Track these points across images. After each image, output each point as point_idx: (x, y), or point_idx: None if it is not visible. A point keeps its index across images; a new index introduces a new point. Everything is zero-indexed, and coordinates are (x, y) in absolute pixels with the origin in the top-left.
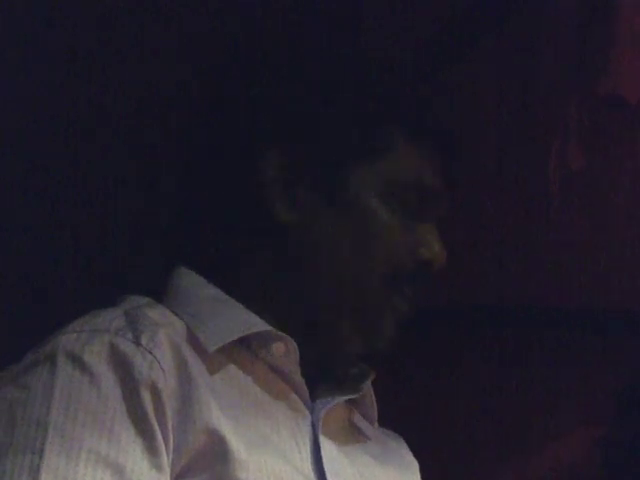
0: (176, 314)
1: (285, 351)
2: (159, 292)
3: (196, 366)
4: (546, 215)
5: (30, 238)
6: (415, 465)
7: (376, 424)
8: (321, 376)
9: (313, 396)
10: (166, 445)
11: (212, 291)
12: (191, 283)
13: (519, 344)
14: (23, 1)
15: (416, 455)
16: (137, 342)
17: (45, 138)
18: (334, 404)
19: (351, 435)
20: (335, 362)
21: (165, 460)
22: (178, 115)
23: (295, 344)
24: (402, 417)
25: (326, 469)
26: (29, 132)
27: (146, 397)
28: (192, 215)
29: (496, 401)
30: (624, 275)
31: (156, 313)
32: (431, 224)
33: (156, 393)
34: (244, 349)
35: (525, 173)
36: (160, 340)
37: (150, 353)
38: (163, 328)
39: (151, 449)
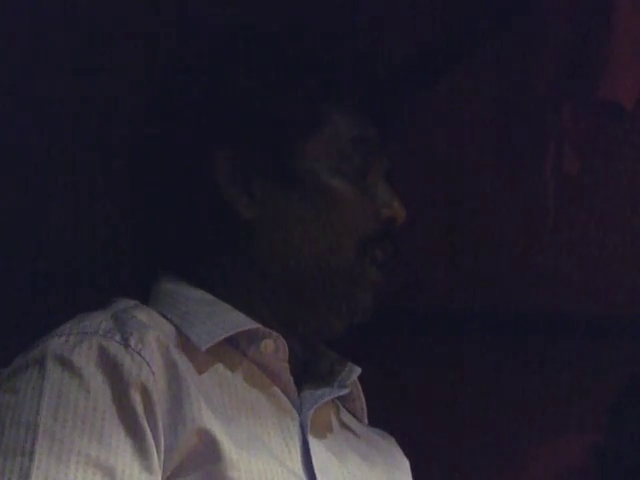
0: (163, 316)
1: (274, 348)
2: (144, 295)
3: (185, 367)
4: (542, 220)
5: (16, 244)
6: (406, 464)
7: (366, 421)
8: (308, 374)
9: (301, 394)
10: (157, 446)
11: (198, 293)
12: (176, 286)
13: (515, 350)
14: None
15: (409, 455)
16: (126, 344)
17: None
18: (322, 402)
19: (340, 434)
20: (320, 341)
21: (156, 461)
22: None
23: (284, 341)
24: (395, 417)
25: (316, 469)
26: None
27: (136, 398)
28: (165, 220)
29: (491, 406)
30: (620, 280)
31: (144, 315)
32: (383, 182)
33: (146, 394)
34: (232, 348)
35: (521, 177)
36: (149, 342)
37: (139, 355)
38: (152, 330)
39: (142, 450)
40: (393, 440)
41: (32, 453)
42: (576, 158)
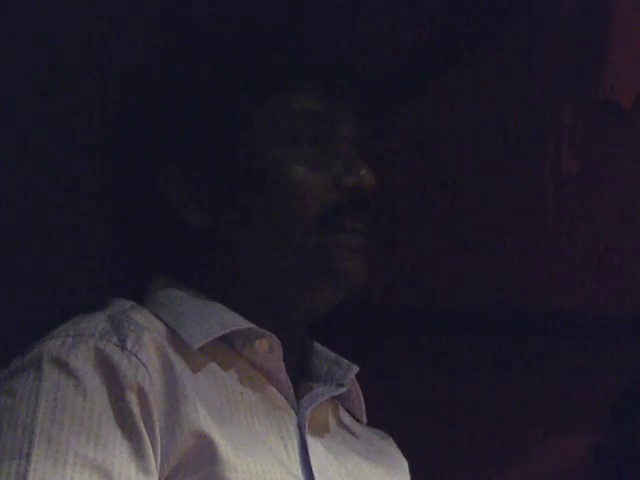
0: (158, 317)
1: (268, 348)
2: (139, 297)
3: (182, 368)
4: (542, 219)
5: (12, 245)
6: (404, 464)
7: (365, 420)
8: (305, 374)
9: (298, 394)
10: (154, 448)
11: (191, 293)
12: (169, 287)
13: (514, 350)
14: None
15: (407, 455)
16: (122, 346)
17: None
18: (319, 402)
19: (338, 433)
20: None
21: (153, 463)
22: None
23: (279, 341)
24: (393, 417)
25: (314, 469)
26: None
27: (132, 400)
28: (140, 227)
29: (490, 406)
30: (620, 280)
31: (140, 316)
32: (347, 153)
33: (142, 396)
34: (227, 348)
35: (520, 177)
36: (145, 343)
37: (135, 356)
38: (148, 331)
39: (138, 452)
40: (391, 440)
41: (29, 455)
42: (575, 158)
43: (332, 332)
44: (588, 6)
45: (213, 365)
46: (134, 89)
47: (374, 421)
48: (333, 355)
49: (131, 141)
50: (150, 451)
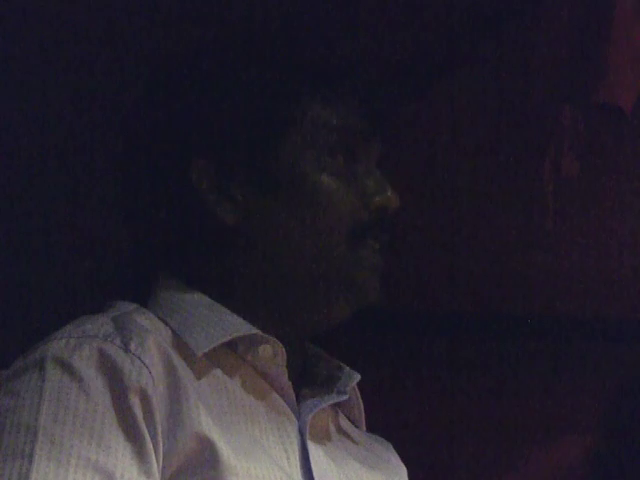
0: (162, 320)
1: (272, 354)
2: (144, 299)
3: (184, 372)
4: (542, 221)
5: (15, 246)
6: (403, 470)
7: (364, 427)
8: (306, 379)
9: (299, 400)
10: (156, 451)
11: (196, 296)
12: (174, 289)
13: (513, 353)
14: None
15: (406, 458)
16: (126, 348)
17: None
18: (320, 408)
19: (338, 439)
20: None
21: (154, 466)
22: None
23: (282, 346)
24: (393, 420)
25: (314, 474)
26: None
27: (135, 403)
28: (157, 226)
29: (488, 409)
30: (619, 282)
31: (144, 319)
32: (375, 171)
33: (145, 399)
34: (231, 353)
35: (520, 180)
36: (149, 346)
37: (139, 359)
38: (151, 334)
39: (140, 455)
40: (390, 446)
41: (31, 456)
42: (575, 160)
43: (332, 335)
44: (589, 8)
45: (216, 369)
46: (179, 79)
47: (373, 423)
48: (335, 362)
49: (167, 130)
50: (152, 453)
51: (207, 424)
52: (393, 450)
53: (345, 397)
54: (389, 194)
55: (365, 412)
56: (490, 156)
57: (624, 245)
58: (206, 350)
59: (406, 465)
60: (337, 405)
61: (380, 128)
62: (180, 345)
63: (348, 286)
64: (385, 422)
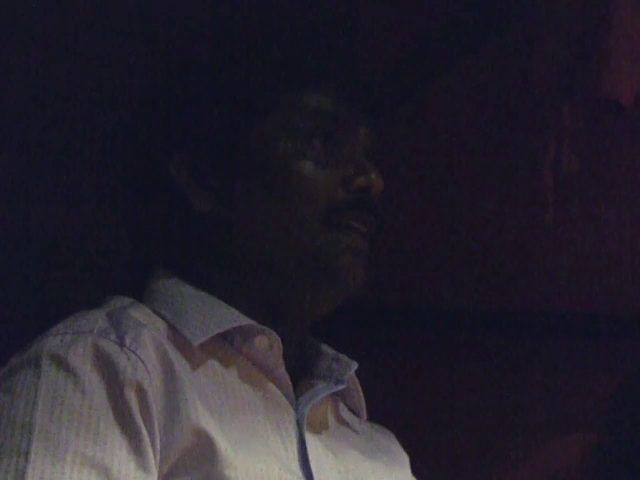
0: (157, 314)
1: (268, 345)
2: (139, 293)
3: (181, 365)
4: (541, 218)
5: (10, 243)
6: (405, 459)
7: (365, 416)
8: (304, 370)
9: (297, 391)
10: (153, 445)
11: (190, 289)
12: (169, 282)
13: (512, 349)
14: None
15: (407, 451)
16: (121, 343)
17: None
18: (318, 399)
19: (338, 430)
20: (319, 318)
21: (152, 460)
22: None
23: (278, 337)
24: (394, 415)
25: (312, 466)
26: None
27: (131, 398)
28: (143, 219)
29: (491, 405)
30: (619, 280)
31: (139, 313)
32: (359, 157)
33: (141, 394)
34: (227, 345)
35: (520, 177)
36: (144, 340)
37: (134, 354)
38: (147, 328)
39: (137, 450)
40: (392, 436)
41: (27, 453)
42: (575, 157)
43: (331, 329)
44: (588, 5)
45: (212, 362)
46: (151, 77)
47: (374, 419)
48: (333, 352)
49: (145, 128)
50: (149, 448)
51: (204, 417)
52: (395, 439)
53: (343, 386)
54: (372, 175)
55: (366, 404)
56: (490, 152)
57: (624, 241)
58: (202, 341)
59: (408, 455)
60: (337, 395)
61: (368, 115)
62: (176, 338)
63: (326, 269)
64: (388, 418)
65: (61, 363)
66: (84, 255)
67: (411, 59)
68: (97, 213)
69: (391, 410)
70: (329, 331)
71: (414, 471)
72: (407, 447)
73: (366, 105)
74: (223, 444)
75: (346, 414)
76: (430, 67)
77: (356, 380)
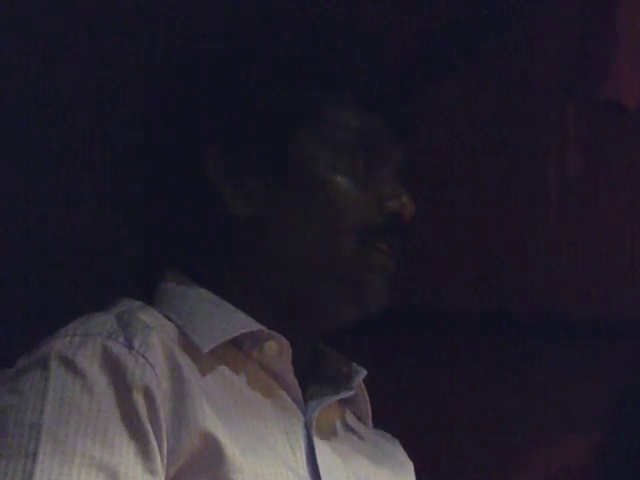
0: (167, 317)
1: (277, 350)
2: (149, 296)
3: (189, 369)
4: (544, 220)
5: (19, 243)
6: (410, 466)
7: (370, 423)
8: (313, 376)
9: (305, 396)
10: (160, 449)
11: (201, 292)
12: (179, 285)
13: (515, 350)
14: None
15: (410, 456)
16: (130, 345)
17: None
18: (327, 404)
19: (345, 436)
20: (330, 332)
21: (159, 464)
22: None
23: (288, 343)
24: (396, 418)
25: (321, 471)
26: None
27: (139, 401)
28: (165, 219)
29: (491, 406)
30: (621, 281)
31: (148, 316)
32: (394, 178)
33: (149, 396)
34: (236, 350)
35: (524, 178)
36: (152, 343)
37: (142, 356)
38: (155, 331)
39: (145, 453)
40: (397, 442)
41: (35, 454)
42: (579, 158)
43: (339, 334)
44: (592, 5)
45: (221, 366)
46: (197, 71)
47: (377, 421)
48: (341, 357)
49: (183, 124)
50: (156, 451)
51: (212, 421)
52: (400, 446)
53: (351, 393)
54: (404, 200)
55: (371, 410)
56: (493, 154)
57: (628, 244)
58: (212, 347)
59: (411, 459)
60: (344, 401)
61: (402, 135)
62: (185, 342)
63: (355, 285)
64: (389, 421)
65: (69, 365)
66: (84, 256)
67: (411, 60)
68: (98, 213)
69: (392, 411)
70: (335, 336)
71: (415, 473)
72: (408, 448)
73: (400, 126)
74: (231, 448)
75: (352, 421)
76: (431, 68)
77: (363, 387)
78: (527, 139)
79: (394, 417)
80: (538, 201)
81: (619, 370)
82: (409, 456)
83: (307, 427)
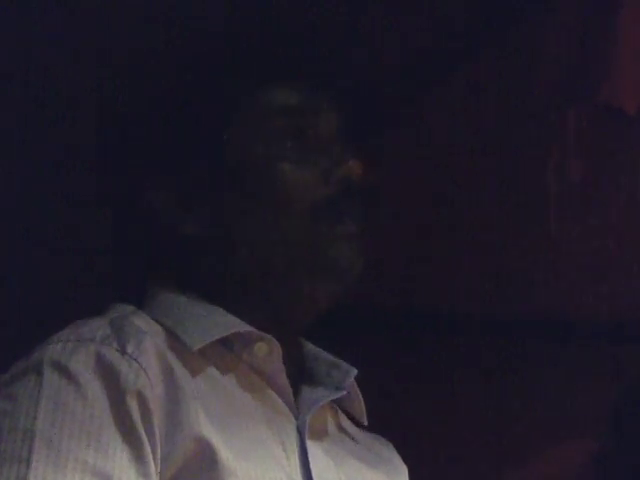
0: (157, 321)
1: (268, 351)
2: (139, 301)
3: (182, 373)
4: (543, 222)
5: (11, 250)
6: (404, 470)
7: (365, 421)
8: (304, 377)
9: (297, 398)
10: (154, 453)
11: (189, 297)
12: (168, 291)
13: (515, 350)
14: None
15: (405, 456)
16: (123, 351)
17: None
18: (319, 406)
19: (338, 438)
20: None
21: (153, 469)
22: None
23: (278, 344)
24: (393, 420)
25: (313, 473)
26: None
27: (133, 406)
28: (140, 236)
29: (489, 413)
30: (620, 284)
31: (141, 321)
32: (332, 146)
33: (143, 401)
34: (227, 352)
35: (524, 179)
36: (146, 348)
37: (136, 361)
38: (149, 336)
39: (138, 458)
40: (391, 446)
41: (29, 460)
42: (579, 162)
43: (329, 332)
44: (592, 10)
45: (213, 369)
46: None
47: (373, 422)
48: (332, 358)
49: (120, 154)
50: (150, 456)
51: (205, 426)
52: (394, 449)
53: (343, 393)
54: (349, 163)
55: (365, 407)
56: (493, 157)
57: (627, 247)
58: (201, 346)
59: (405, 460)
60: (337, 402)
61: (334, 100)
62: (176, 345)
63: (326, 262)
64: (389, 420)
65: (63, 370)
66: (84, 263)
67: (411, 61)
68: (98, 221)
69: (391, 412)
70: (327, 334)
71: (413, 474)
72: (407, 448)
73: (332, 92)
74: (224, 452)
75: (345, 422)
76: (430, 71)
77: (355, 386)
78: (527, 140)
79: (394, 417)
80: (538, 204)
81: (619, 370)
82: (409, 456)
83: (300, 430)
